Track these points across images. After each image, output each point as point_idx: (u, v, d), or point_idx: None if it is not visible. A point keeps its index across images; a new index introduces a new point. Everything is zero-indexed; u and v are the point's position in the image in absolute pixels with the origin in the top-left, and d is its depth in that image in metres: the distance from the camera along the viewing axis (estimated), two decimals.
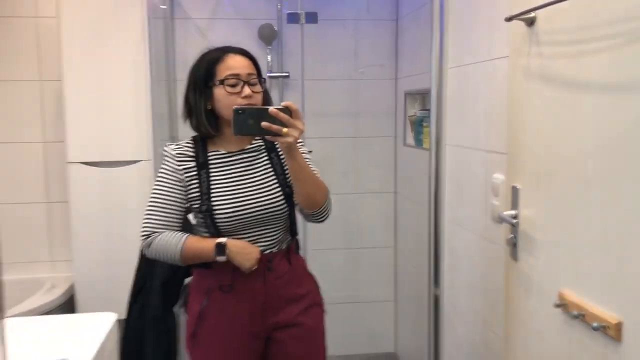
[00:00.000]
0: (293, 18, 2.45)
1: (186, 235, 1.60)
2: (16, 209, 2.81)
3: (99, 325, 1.18)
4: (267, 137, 1.51)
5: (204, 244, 1.58)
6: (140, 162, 2.49)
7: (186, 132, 3.04)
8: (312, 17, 2.43)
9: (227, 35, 2.93)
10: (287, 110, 1.48)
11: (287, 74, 2.86)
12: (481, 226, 1.97)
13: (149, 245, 1.60)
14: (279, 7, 2.87)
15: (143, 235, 1.60)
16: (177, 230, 1.62)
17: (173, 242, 1.58)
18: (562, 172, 1.36)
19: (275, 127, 1.45)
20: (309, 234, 2.63)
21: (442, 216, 2.32)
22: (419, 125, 2.69)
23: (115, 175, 2.50)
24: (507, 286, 1.65)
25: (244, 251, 1.58)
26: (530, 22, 1.46)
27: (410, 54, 2.85)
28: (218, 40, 2.87)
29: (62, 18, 2.43)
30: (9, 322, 0.80)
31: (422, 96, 2.70)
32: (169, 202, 1.60)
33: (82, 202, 2.52)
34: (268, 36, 2.86)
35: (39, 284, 2.69)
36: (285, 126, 1.46)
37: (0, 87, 2.73)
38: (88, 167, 2.50)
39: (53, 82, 2.72)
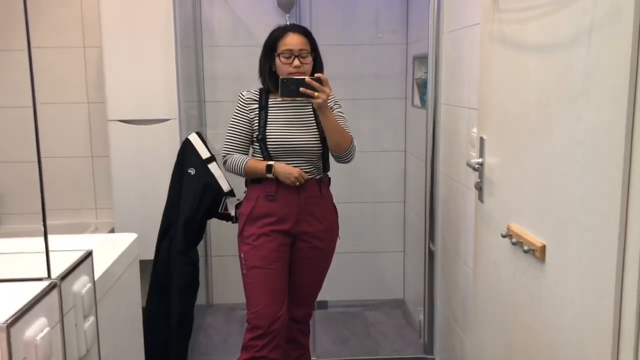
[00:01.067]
0: None
1: (248, 157, 2.18)
2: (65, 162, 3.18)
3: (119, 242, 1.49)
4: (303, 98, 2.04)
5: (259, 165, 2.14)
6: (170, 120, 2.80)
7: (212, 94, 3.34)
8: None
9: (249, 4, 3.19)
10: (318, 79, 2.01)
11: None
12: (465, 177, 2.19)
13: (225, 162, 2.20)
14: None
15: (222, 155, 2.21)
16: (244, 152, 2.19)
17: (239, 162, 2.16)
18: (513, 123, 1.58)
19: (309, 91, 2.00)
20: None
21: (437, 170, 2.55)
22: (424, 87, 2.90)
23: (148, 132, 2.81)
24: (475, 224, 1.89)
25: (285, 171, 2.11)
26: None
27: (418, 20, 3.04)
28: (240, 8, 3.16)
29: None
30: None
31: (427, 59, 2.89)
32: (238, 132, 2.18)
33: (121, 156, 2.84)
34: (286, 4, 3.10)
35: (85, 227, 3.07)
36: (317, 91, 1.99)
37: (49, 53, 3.07)
38: (125, 124, 2.82)
39: (94, 49, 3.05)
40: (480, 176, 1.80)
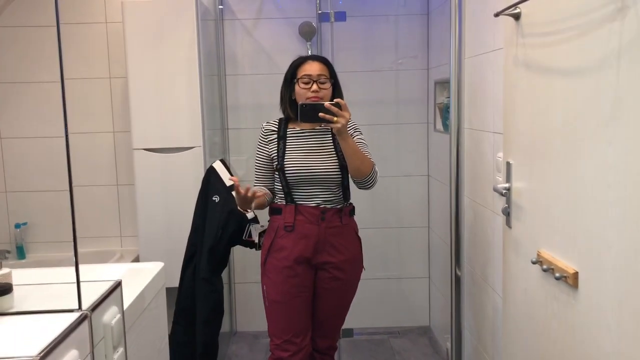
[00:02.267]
0: (324, 17, 2.73)
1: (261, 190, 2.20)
2: (90, 191, 3.23)
3: (146, 271, 1.49)
4: (322, 124, 2.04)
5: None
6: (194, 148, 2.83)
7: (235, 122, 3.38)
8: (340, 16, 2.69)
9: (271, 33, 3.23)
10: (337, 104, 2.01)
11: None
12: (492, 201, 2.17)
13: None
14: (318, 4, 3.13)
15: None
16: (270, 181, 2.23)
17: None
18: (540, 147, 1.56)
19: (328, 116, 1.99)
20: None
21: (462, 195, 2.53)
22: (446, 111, 2.90)
23: (173, 160, 2.85)
24: (504, 250, 1.86)
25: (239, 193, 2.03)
26: (517, 17, 1.67)
27: (439, 45, 3.05)
28: (262, 37, 3.21)
29: (126, 23, 2.79)
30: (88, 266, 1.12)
31: (449, 85, 2.90)
32: (261, 164, 2.24)
33: (146, 184, 2.87)
34: (308, 33, 3.14)
35: (110, 255, 3.09)
36: (336, 116, 1.98)
37: (77, 84, 3.14)
38: (150, 153, 2.86)
39: (120, 79, 3.11)
40: (508, 201, 1.78)
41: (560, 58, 1.44)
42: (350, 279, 2.23)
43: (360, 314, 3.26)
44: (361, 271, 2.27)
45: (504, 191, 1.77)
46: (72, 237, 0.99)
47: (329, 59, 2.81)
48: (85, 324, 0.98)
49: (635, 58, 1.13)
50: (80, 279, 1.04)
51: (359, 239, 2.26)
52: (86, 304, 1.02)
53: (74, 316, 0.96)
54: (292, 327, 2.14)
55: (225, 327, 3.12)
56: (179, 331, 2.49)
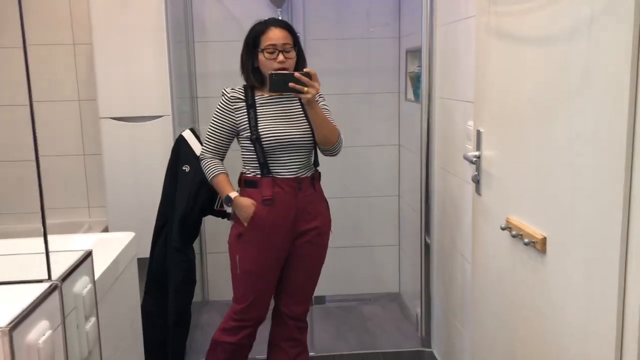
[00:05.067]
0: None
1: (219, 172, 2.16)
2: (56, 161, 3.15)
3: (117, 241, 1.47)
4: (292, 93, 2.03)
5: (224, 188, 2.15)
6: (163, 117, 2.77)
7: (204, 90, 3.33)
8: None
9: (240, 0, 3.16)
10: (308, 74, 1.98)
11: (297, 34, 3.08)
12: (462, 170, 2.19)
13: (201, 162, 2.19)
14: None
15: (201, 153, 2.20)
16: (223, 152, 2.18)
17: (211, 171, 2.16)
18: (510, 116, 1.58)
19: (298, 87, 1.97)
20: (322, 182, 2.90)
21: (432, 164, 2.55)
22: (417, 80, 2.90)
23: (141, 129, 2.78)
24: (473, 217, 1.89)
25: (244, 206, 2.10)
26: None
27: (410, 13, 3.04)
28: (232, 4, 3.14)
29: None
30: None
31: (420, 53, 2.89)
32: (220, 131, 2.15)
33: (113, 154, 2.81)
34: None
35: (78, 226, 3.04)
36: (306, 86, 1.96)
37: (39, 50, 3.03)
38: (117, 122, 2.79)
39: (84, 46, 3.01)
40: (478, 169, 1.80)
41: (531, 26, 1.45)
42: (322, 243, 2.25)
43: (332, 282, 3.30)
44: (329, 234, 2.29)
45: (474, 159, 1.79)
46: (39, 206, 0.96)
47: (300, 26, 2.78)
48: (56, 294, 0.96)
49: (606, 27, 1.14)
50: (49, 249, 1.02)
51: (327, 202, 2.28)
52: (56, 274, 1.00)
53: (43, 286, 0.94)
54: (259, 295, 2.19)
55: (197, 296, 3.11)
56: (151, 301, 2.48)
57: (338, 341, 2.93)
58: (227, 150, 2.20)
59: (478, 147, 1.79)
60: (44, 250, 0.97)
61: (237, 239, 2.16)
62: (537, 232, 1.43)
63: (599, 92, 1.17)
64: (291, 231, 2.15)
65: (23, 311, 0.85)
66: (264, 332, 2.32)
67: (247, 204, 2.10)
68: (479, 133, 1.78)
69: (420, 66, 2.81)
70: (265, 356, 2.39)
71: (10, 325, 0.80)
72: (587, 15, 1.19)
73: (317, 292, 2.41)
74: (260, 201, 2.10)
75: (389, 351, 2.81)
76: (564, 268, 1.33)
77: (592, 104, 1.19)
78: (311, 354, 2.54)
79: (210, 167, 2.16)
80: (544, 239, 1.40)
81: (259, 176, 2.12)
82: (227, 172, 2.18)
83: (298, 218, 2.14)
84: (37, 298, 0.89)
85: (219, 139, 2.16)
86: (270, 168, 2.11)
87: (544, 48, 1.39)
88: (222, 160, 2.20)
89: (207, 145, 2.18)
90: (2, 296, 0.92)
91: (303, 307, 2.31)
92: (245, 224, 2.10)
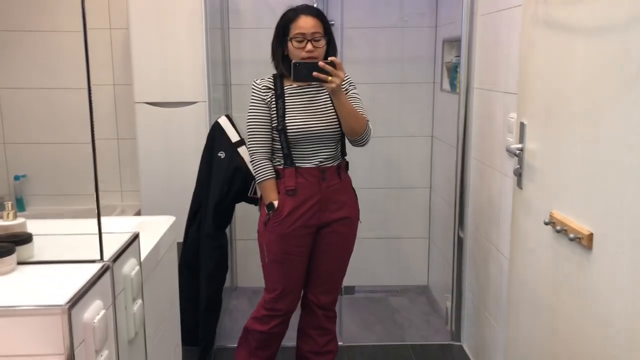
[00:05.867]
0: None
1: (268, 177, 2.12)
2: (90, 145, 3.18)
3: (158, 224, 1.48)
4: (316, 83, 1.99)
5: (268, 195, 2.12)
6: (197, 103, 2.78)
7: (238, 77, 3.32)
8: None
9: None
10: (332, 63, 1.94)
11: (332, 22, 3.05)
12: (500, 162, 2.16)
13: (251, 162, 2.16)
14: None
15: (251, 152, 2.14)
16: (270, 147, 2.13)
17: (259, 174, 2.12)
18: (556, 108, 1.55)
19: (322, 75, 1.93)
20: (352, 173, 2.89)
21: (468, 156, 2.52)
22: (454, 71, 2.86)
23: (176, 114, 2.80)
24: (513, 211, 1.86)
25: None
26: None
27: (448, 3, 2.99)
28: None
29: None
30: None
31: (458, 43, 2.85)
32: (262, 124, 2.11)
33: (148, 139, 2.83)
34: None
35: (111, 210, 3.07)
36: (330, 75, 1.93)
37: (75, 35, 3.06)
38: (152, 107, 2.80)
39: (121, 31, 3.03)
40: (520, 162, 1.77)
41: (584, 16, 1.41)
42: (350, 233, 2.24)
43: (361, 273, 3.29)
44: (358, 224, 2.27)
45: (517, 152, 1.76)
46: (94, 189, 0.97)
47: (338, 14, 2.75)
48: (108, 275, 0.97)
49: None
50: (97, 231, 1.03)
51: (355, 192, 2.26)
52: (107, 255, 1.01)
53: (96, 267, 0.95)
54: (290, 283, 2.19)
55: (226, 282, 3.14)
56: (183, 286, 2.48)
57: (366, 332, 2.93)
58: (272, 141, 2.13)
59: (521, 139, 1.76)
60: (96, 231, 0.98)
61: (264, 227, 2.17)
62: (584, 227, 1.40)
63: None
64: (315, 220, 2.14)
65: (80, 290, 0.85)
66: (293, 319, 2.32)
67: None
68: (522, 125, 1.75)
69: (458, 56, 2.77)
70: (294, 343, 2.40)
71: (69, 304, 0.81)
72: None
73: (347, 282, 2.41)
74: (284, 191, 2.10)
75: (417, 344, 2.79)
76: (612, 266, 1.30)
77: None
78: (340, 343, 2.54)
79: (261, 169, 2.12)
80: (591, 234, 1.37)
81: (282, 167, 2.11)
82: (274, 174, 2.13)
83: (322, 208, 2.13)
84: (92, 278, 0.90)
85: (263, 133, 2.11)
86: (294, 159, 2.10)
87: (597, 39, 1.35)
88: (271, 154, 2.15)
89: (253, 143, 2.13)
90: (58, 275, 0.93)
91: (330, 297, 2.31)
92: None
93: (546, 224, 1.56)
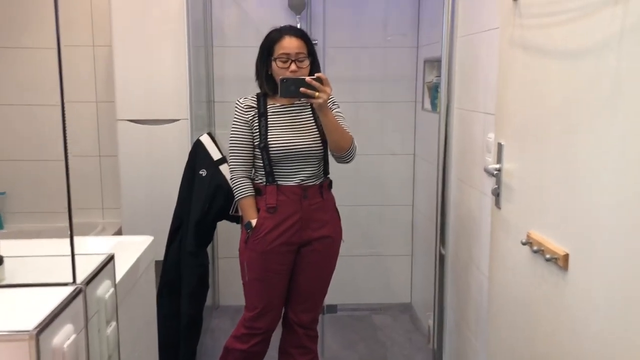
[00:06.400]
0: None
1: (247, 195, 2.14)
2: (72, 162, 3.14)
3: (136, 245, 1.47)
4: (303, 99, 2.02)
5: (246, 213, 2.14)
6: (180, 120, 2.78)
7: (221, 95, 3.33)
8: None
9: (260, 5, 3.17)
10: (319, 79, 1.98)
11: (315, 42, 3.08)
12: (480, 182, 2.18)
13: (231, 179, 2.19)
14: None
15: (231, 170, 2.17)
16: (251, 165, 2.16)
17: (238, 192, 2.15)
18: (533, 129, 1.57)
19: (309, 92, 1.96)
20: (334, 191, 2.90)
21: (449, 175, 2.54)
22: (435, 91, 2.89)
23: (158, 132, 2.79)
24: (492, 231, 1.87)
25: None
26: None
27: (430, 23, 3.03)
28: (251, 9, 3.15)
29: None
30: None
31: (439, 63, 2.88)
32: (243, 143, 2.14)
33: (129, 156, 2.82)
34: (297, 6, 3.08)
35: (92, 227, 3.05)
36: (317, 91, 1.95)
37: (55, 52, 3.05)
38: (134, 124, 2.80)
39: (104, 48, 3.03)
40: (498, 182, 1.78)
41: (559, 40, 1.43)
42: (331, 252, 2.24)
43: (343, 291, 3.29)
44: (340, 243, 2.28)
45: (495, 172, 1.77)
46: (67, 208, 0.96)
47: (320, 34, 2.78)
48: (80, 298, 0.96)
49: (637, 42, 1.13)
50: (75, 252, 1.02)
51: (337, 211, 2.27)
52: (80, 277, 1.00)
53: (68, 290, 0.94)
54: (269, 301, 2.19)
55: (208, 301, 3.12)
56: (163, 304, 2.47)
57: (348, 351, 2.92)
58: (252, 160, 2.16)
59: (499, 159, 1.78)
60: (69, 253, 0.97)
61: (244, 245, 2.16)
62: (560, 248, 1.41)
63: (628, 107, 1.15)
64: (296, 239, 2.13)
65: (49, 315, 0.84)
66: (275, 338, 2.31)
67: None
68: (500, 146, 1.77)
69: (439, 76, 2.80)
70: None
71: (37, 329, 0.80)
72: (617, 30, 1.18)
73: (328, 300, 2.41)
74: (265, 209, 2.10)
75: None
76: (587, 286, 1.31)
77: (621, 119, 1.17)
78: None
79: (240, 187, 2.15)
80: (566, 255, 1.38)
81: (264, 184, 2.12)
82: (254, 192, 2.16)
83: (303, 226, 2.13)
84: (63, 302, 0.89)
85: (244, 151, 2.14)
86: (276, 176, 2.11)
87: (572, 62, 1.38)
88: (251, 173, 2.18)
89: (234, 161, 2.16)
90: (28, 299, 0.92)
91: (311, 316, 2.30)
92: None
93: (523, 244, 1.57)
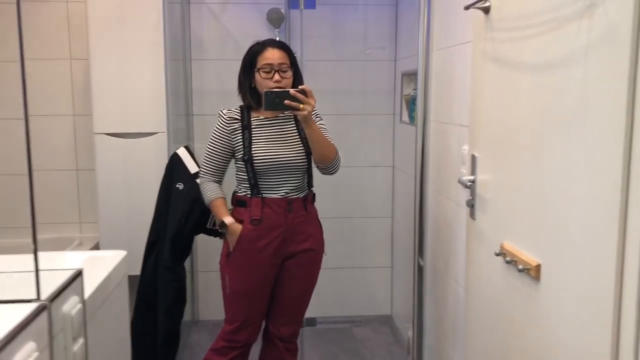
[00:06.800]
0: (293, 4, 2.70)
1: (216, 196, 2.15)
2: (49, 175, 3.13)
3: (107, 259, 1.45)
4: (288, 111, 2.03)
5: (220, 211, 2.13)
6: (157, 133, 2.77)
7: (200, 108, 3.33)
8: (310, 3, 2.67)
9: (238, 19, 3.18)
10: (303, 91, 1.99)
11: (296, 54, 3.09)
12: (456, 193, 2.19)
13: (200, 185, 2.19)
14: None
15: (200, 175, 2.19)
16: (221, 174, 2.17)
17: (209, 195, 2.15)
18: (505, 141, 1.58)
19: (294, 103, 1.97)
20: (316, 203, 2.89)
21: (426, 186, 2.55)
22: (412, 103, 2.91)
23: (135, 145, 2.78)
24: (467, 242, 1.88)
25: (234, 235, 2.09)
26: (486, 10, 1.67)
27: (407, 37, 3.06)
28: (230, 22, 3.15)
29: (88, 3, 2.69)
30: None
31: (416, 76, 2.90)
32: (218, 153, 2.15)
33: (107, 170, 2.80)
34: (276, 20, 3.10)
35: (69, 242, 3.01)
36: (302, 103, 1.97)
37: (35, 65, 3.03)
38: (111, 137, 2.78)
39: (81, 61, 3.01)
40: (472, 193, 1.80)
41: (529, 53, 1.45)
42: (314, 265, 2.24)
43: (324, 303, 3.27)
44: (322, 256, 2.27)
45: (469, 183, 1.79)
46: (30, 224, 0.95)
47: (298, 47, 2.80)
48: (44, 314, 0.94)
49: (603, 56, 1.15)
50: (39, 267, 1.00)
51: (320, 224, 2.27)
52: (45, 293, 0.98)
53: (31, 307, 0.92)
54: (250, 315, 2.18)
55: (187, 315, 3.09)
56: (140, 319, 2.45)
57: None
58: (225, 171, 2.19)
59: (473, 171, 1.79)
60: (33, 269, 0.95)
61: (226, 258, 2.14)
62: (532, 258, 1.42)
63: (594, 120, 1.17)
64: (280, 252, 2.13)
65: (9, 333, 0.83)
66: (255, 351, 2.29)
67: (238, 232, 2.09)
68: (473, 158, 1.79)
69: (415, 89, 2.82)
70: None
71: None
72: (583, 44, 1.20)
73: (308, 313, 2.39)
74: (249, 221, 2.10)
75: None
76: (558, 296, 1.32)
77: (588, 131, 1.19)
78: None
79: (208, 190, 2.16)
80: (538, 265, 1.40)
81: (249, 196, 2.11)
82: (224, 195, 2.18)
83: (287, 239, 2.13)
84: (25, 319, 0.88)
85: (217, 161, 2.15)
86: (260, 189, 2.11)
87: (540, 75, 1.40)
88: (220, 181, 2.19)
89: (205, 167, 2.17)
90: None
91: (291, 329, 2.29)
92: (231, 248, 2.10)
93: (497, 255, 1.58)
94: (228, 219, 2.11)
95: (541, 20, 1.38)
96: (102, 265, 1.42)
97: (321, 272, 2.29)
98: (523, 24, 1.47)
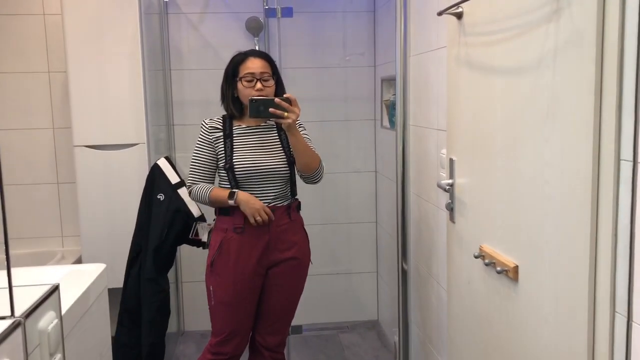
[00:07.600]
0: (271, 12, 2.71)
1: (213, 186, 2.15)
2: (29, 189, 3.10)
3: (87, 273, 1.45)
4: (272, 119, 2.03)
5: (222, 192, 2.10)
6: (138, 144, 2.75)
7: (181, 118, 3.32)
8: (287, 12, 2.68)
9: (217, 28, 3.19)
10: (288, 100, 2.00)
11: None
12: (436, 197, 2.21)
13: (190, 192, 2.17)
14: (264, 1, 3.11)
15: (188, 185, 2.18)
16: (210, 181, 2.16)
17: (204, 190, 2.13)
18: (481, 144, 1.60)
19: (278, 112, 1.99)
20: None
21: (408, 191, 2.57)
22: (392, 108, 2.93)
23: (116, 157, 2.76)
24: (448, 245, 1.90)
25: (249, 201, 2.07)
26: (459, 16, 1.70)
27: (385, 43, 3.08)
28: (209, 32, 3.16)
29: (65, 15, 2.68)
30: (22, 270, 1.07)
31: (395, 82, 2.93)
32: (203, 162, 2.15)
33: (88, 182, 2.77)
34: (255, 28, 3.11)
35: (51, 256, 2.98)
36: (286, 111, 1.98)
37: (13, 78, 3.01)
38: (92, 150, 2.76)
39: (59, 74, 3.00)
40: (451, 197, 1.81)
41: (500, 57, 1.48)
42: (300, 274, 2.23)
43: (310, 310, 3.26)
44: (309, 265, 2.27)
45: (447, 187, 1.80)
46: (3, 239, 0.94)
47: (276, 55, 2.81)
48: (18, 331, 0.94)
49: (570, 58, 1.17)
50: (15, 283, 1.00)
51: (306, 233, 2.27)
52: (20, 310, 0.98)
53: (5, 323, 0.91)
54: (237, 326, 2.16)
55: (172, 327, 3.07)
56: (124, 332, 2.43)
57: None
58: (212, 180, 2.17)
59: (451, 175, 1.81)
60: (6, 285, 0.95)
61: (210, 268, 2.14)
62: (509, 260, 1.44)
63: (564, 122, 1.19)
64: (263, 260, 2.13)
65: None
66: None
67: (251, 198, 2.07)
68: (451, 161, 1.80)
69: (395, 94, 2.84)
70: None
71: None
72: (551, 48, 1.22)
73: (294, 321, 2.39)
74: (232, 229, 2.09)
75: None
76: (536, 296, 1.33)
77: (558, 133, 1.21)
78: None
79: (201, 189, 2.13)
80: (516, 267, 1.41)
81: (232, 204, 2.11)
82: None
83: (271, 247, 2.13)
84: None
85: (203, 170, 2.15)
86: None
87: (512, 79, 1.42)
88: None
89: (193, 176, 2.16)
90: None
91: (278, 338, 2.28)
92: (257, 217, 2.05)
93: (476, 257, 1.60)
94: (234, 190, 2.08)
95: (511, 24, 1.40)
96: (82, 279, 1.41)
97: (308, 278, 2.28)
98: (494, 29, 1.49)
